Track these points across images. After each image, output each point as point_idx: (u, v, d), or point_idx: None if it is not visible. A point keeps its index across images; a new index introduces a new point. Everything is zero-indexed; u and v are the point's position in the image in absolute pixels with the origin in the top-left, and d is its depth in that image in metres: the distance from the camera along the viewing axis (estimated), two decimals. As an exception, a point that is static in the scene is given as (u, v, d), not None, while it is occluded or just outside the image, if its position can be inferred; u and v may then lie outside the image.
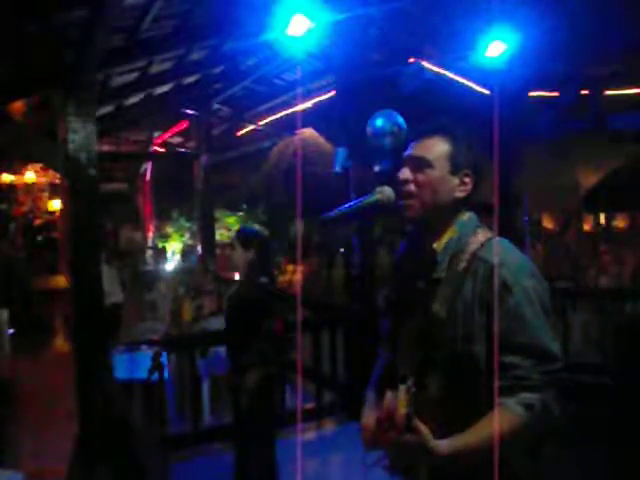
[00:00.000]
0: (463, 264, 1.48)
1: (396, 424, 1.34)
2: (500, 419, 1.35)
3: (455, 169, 1.53)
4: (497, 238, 1.52)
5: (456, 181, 1.54)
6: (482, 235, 1.52)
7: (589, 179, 10.51)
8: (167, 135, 10.67)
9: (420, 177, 1.53)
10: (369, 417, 1.62)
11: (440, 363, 1.46)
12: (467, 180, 1.54)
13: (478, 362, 1.42)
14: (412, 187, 1.54)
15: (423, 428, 1.32)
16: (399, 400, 1.35)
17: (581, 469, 3.39)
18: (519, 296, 1.40)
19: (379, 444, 1.50)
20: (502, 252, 1.47)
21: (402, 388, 1.36)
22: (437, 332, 1.46)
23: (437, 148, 1.53)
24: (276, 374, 3.20)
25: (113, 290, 6.70)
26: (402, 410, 1.33)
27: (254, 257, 3.17)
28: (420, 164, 1.53)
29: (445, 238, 1.53)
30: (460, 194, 1.54)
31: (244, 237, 3.25)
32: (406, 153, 1.58)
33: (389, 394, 1.41)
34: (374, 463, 1.52)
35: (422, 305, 1.52)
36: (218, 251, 9.84)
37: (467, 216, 1.56)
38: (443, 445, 1.34)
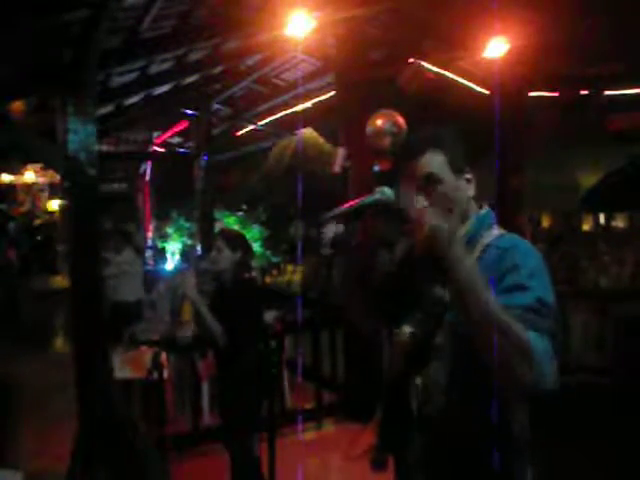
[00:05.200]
0: (475, 254, 1.50)
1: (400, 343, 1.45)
2: (519, 325, 1.29)
3: (458, 172, 1.56)
4: (510, 234, 1.56)
5: (463, 182, 1.57)
6: (497, 231, 1.56)
7: (589, 179, 10.50)
8: (167, 135, 10.67)
9: (434, 194, 1.52)
10: None
11: (442, 347, 1.49)
12: (469, 176, 1.58)
13: None
14: (432, 206, 1.50)
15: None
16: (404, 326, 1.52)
17: (581, 468, 3.39)
18: (527, 271, 1.41)
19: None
20: (514, 241, 1.51)
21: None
22: (441, 316, 1.49)
23: (434, 161, 1.54)
24: (268, 370, 3.22)
25: None
26: (406, 329, 1.46)
27: (241, 257, 3.24)
28: (428, 182, 1.53)
29: (462, 229, 1.54)
30: (470, 191, 1.58)
31: (231, 239, 3.30)
32: (415, 176, 1.54)
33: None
34: (359, 456, 1.54)
35: (429, 289, 1.55)
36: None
37: (485, 211, 1.60)
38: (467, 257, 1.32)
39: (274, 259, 12.30)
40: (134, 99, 7.38)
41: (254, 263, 9.98)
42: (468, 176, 1.58)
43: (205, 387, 4.94)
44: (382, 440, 1.58)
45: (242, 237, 3.44)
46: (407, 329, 1.53)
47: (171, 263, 11.41)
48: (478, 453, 1.43)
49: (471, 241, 1.52)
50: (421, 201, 1.52)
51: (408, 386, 1.54)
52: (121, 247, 6.44)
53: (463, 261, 1.31)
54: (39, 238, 14.98)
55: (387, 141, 5.07)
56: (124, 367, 4.38)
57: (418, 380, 1.50)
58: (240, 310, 3.15)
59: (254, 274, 3.43)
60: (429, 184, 1.53)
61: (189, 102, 8.58)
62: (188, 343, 4.73)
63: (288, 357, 5.45)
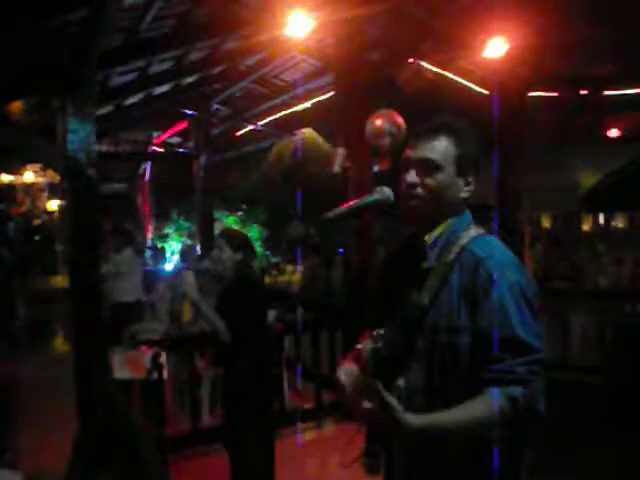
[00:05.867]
0: (451, 256, 1.49)
1: (364, 365, 1.40)
2: (481, 407, 1.35)
3: (462, 171, 1.53)
4: (489, 235, 1.54)
5: (462, 182, 1.54)
6: (474, 231, 1.54)
7: (589, 179, 10.51)
8: (166, 135, 10.67)
9: (428, 180, 1.51)
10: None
11: (422, 351, 1.47)
12: (471, 180, 1.55)
13: (459, 352, 1.42)
14: (420, 190, 1.52)
15: (393, 401, 1.32)
16: (366, 342, 1.45)
17: (578, 468, 3.39)
18: (504, 290, 1.41)
19: (355, 410, 1.49)
20: (490, 247, 1.49)
21: (370, 334, 1.45)
22: (420, 320, 1.48)
23: (445, 150, 1.51)
24: (268, 370, 3.21)
25: None
26: (369, 347, 1.41)
27: (242, 257, 3.23)
28: (428, 166, 1.51)
29: (437, 231, 1.54)
30: (465, 194, 1.55)
31: (233, 239, 3.29)
32: (412, 155, 1.54)
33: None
34: (352, 462, 1.54)
35: (407, 293, 1.54)
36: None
37: (462, 212, 1.57)
38: (414, 419, 1.33)
39: (274, 259, 12.31)
40: (134, 99, 7.39)
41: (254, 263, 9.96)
42: (470, 179, 1.55)
43: (205, 387, 4.93)
44: (370, 444, 1.57)
45: (244, 237, 3.43)
46: (369, 345, 1.48)
47: (170, 263, 11.41)
48: (458, 455, 1.43)
49: (448, 241, 1.52)
50: (413, 177, 1.52)
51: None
52: (121, 246, 6.43)
53: (417, 428, 1.33)
54: (38, 238, 14.97)
55: (386, 141, 5.09)
56: (123, 367, 4.38)
57: (400, 382, 1.47)
58: (241, 310, 3.15)
59: (255, 273, 3.41)
60: (428, 167, 1.51)
61: (189, 102, 8.59)
62: (195, 336, 4.72)
63: (288, 357, 5.45)
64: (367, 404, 1.35)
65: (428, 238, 1.54)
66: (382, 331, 1.47)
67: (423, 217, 1.55)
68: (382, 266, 1.80)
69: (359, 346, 1.50)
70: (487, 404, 1.34)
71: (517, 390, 1.34)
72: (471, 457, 1.42)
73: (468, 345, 1.42)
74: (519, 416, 1.34)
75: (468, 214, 1.58)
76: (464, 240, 1.50)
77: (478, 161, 1.57)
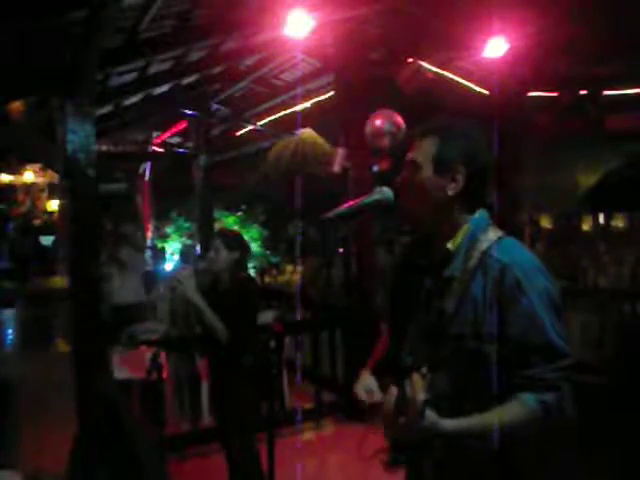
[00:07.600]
0: (473, 261, 1.48)
1: (413, 411, 1.32)
2: (515, 411, 1.36)
3: (441, 168, 1.52)
4: (508, 238, 1.52)
5: (444, 180, 1.52)
6: (493, 233, 1.52)
7: (589, 179, 10.52)
8: (166, 135, 10.66)
9: (411, 180, 1.56)
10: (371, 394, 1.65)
11: (448, 359, 1.47)
12: (459, 177, 1.52)
13: (487, 360, 1.42)
14: (405, 190, 1.58)
15: (430, 413, 1.33)
16: (415, 386, 1.35)
17: (579, 468, 3.38)
18: (533, 296, 1.41)
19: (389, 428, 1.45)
20: (514, 252, 1.48)
21: (417, 376, 1.36)
22: (445, 328, 1.47)
23: (425, 149, 1.55)
24: (266, 370, 3.22)
25: None
26: (420, 396, 1.32)
27: (238, 257, 3.24)
28: (411, 167, 1.57)
29: (460, 237, 1.53)
30: (452, 192, 1.52)
31: (229, 239, 3.31)
32: (406, 158, 1.61)
33: (394, 389, 1.39)
34: (371, 457, 1.52)
35: (432, 302, 1.53)
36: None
37: (479, 214, 1.56)
38: (448, 423, 1.35)
39: (273, 259, 12.30)
40: (134, 99, 7.38)
41: (253, 263, 9.98)
42: (457, 176, 1.52)
43: (205, 387, 4.93)
44: (394, 453, 1.55)
45: (240, 237, 3.45)
46: (420, 395, 1.34)
47: (170, 263, 11.41)
48: (483, 462, 1.43)
49: (470, 246, 1.51)
50: (399, 177, 1.60)
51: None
52: (123, 246, 6.47)
53: (452, 432, 1.35)
54: (38, 238, 14.98)
55: (386, 141, 5.09)
56: (123, 367, 4.38)
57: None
58: (237, 310, 3.14)
59: (251, 274, 3.44)
60: (411, 168, 1.56)
61: (189, 102, 8.57)
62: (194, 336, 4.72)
63: (288, 357, 5.45)
64: (402, 419, 1.33)
65: (452, 244, 1.53)
66: (429, 374, 1.39)
67: (414, 216, 1.59)
68: (395, 270, 1.77)
69: (406, 392, 1.36)
70: (520, 409, 1.36)
71: (549, 396, 1.36)
72: (500, 460, 1.42)
73: (495, 351, 1.41)
74: (551, 420, 1.36)
75: (485, 215, 1.57)
76: (484, 244, 1.49)
77: (472, 158, 1.53)
